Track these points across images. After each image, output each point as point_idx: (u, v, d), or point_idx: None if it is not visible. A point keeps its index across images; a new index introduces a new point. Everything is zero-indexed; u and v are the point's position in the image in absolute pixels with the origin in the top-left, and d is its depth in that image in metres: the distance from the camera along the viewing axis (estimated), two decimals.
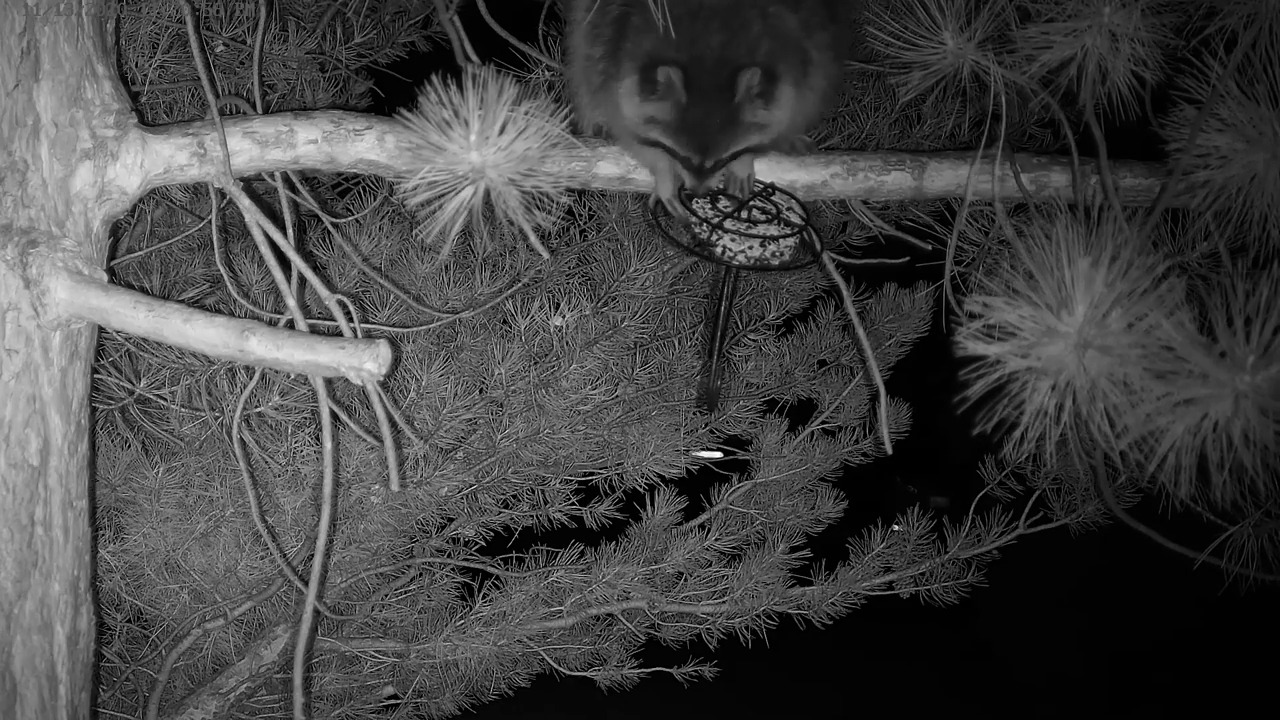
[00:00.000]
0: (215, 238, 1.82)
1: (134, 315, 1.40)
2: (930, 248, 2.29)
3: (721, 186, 1.83)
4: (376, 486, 2.66)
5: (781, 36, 1.68)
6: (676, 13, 1.62)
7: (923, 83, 1.56)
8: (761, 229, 1.80)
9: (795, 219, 1.83)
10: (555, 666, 3.09)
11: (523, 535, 3.16)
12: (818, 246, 1.89)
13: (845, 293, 1.93)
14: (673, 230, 1.92)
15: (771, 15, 1.68)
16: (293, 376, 2.35)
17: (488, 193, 1.18)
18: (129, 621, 2.71)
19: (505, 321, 2.77)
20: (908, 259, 2.42)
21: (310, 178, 2.26)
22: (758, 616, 3.09)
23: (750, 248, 1.79)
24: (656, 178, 1.82)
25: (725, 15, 1.65)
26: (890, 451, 2.14)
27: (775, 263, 1.81)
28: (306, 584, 1.42)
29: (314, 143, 1.59)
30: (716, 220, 1.79)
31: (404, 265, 2.60)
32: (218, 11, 2.27)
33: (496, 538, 3.17)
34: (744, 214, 1.82)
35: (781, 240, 1.80)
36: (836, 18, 1.80)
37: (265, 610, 2.69)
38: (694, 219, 1.81)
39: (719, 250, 1.80)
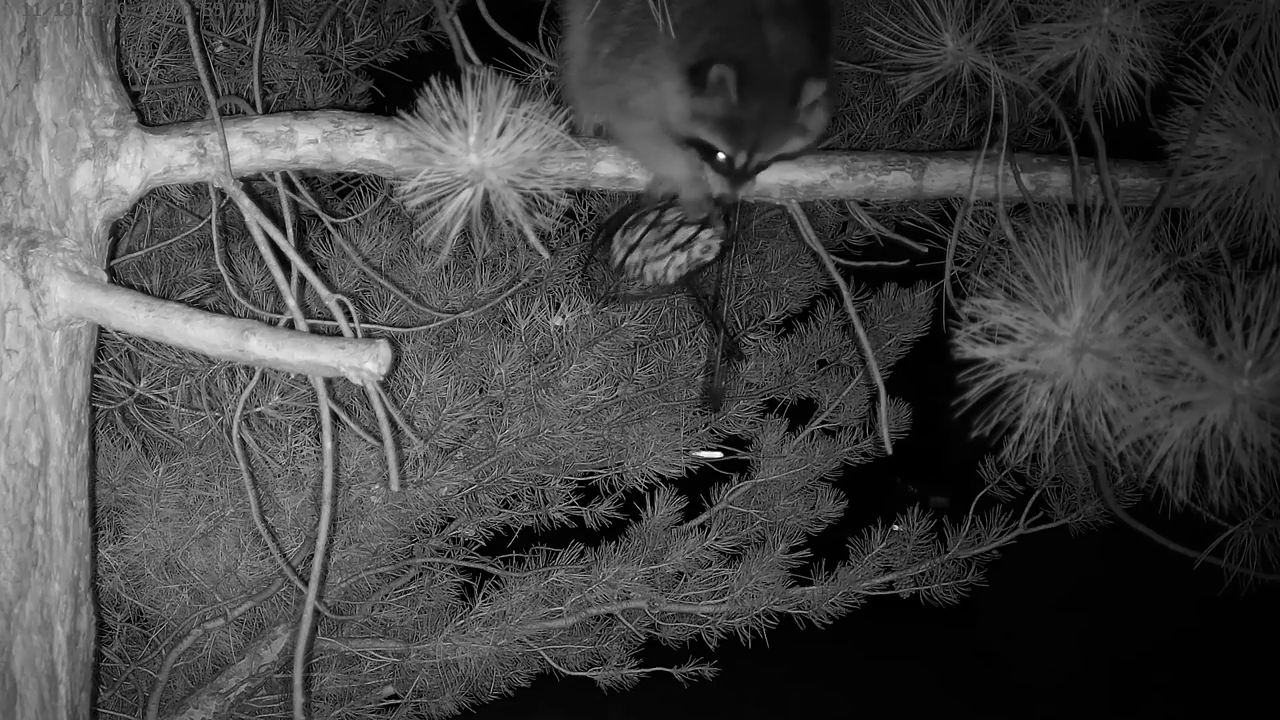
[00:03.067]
0: (215, 238, 1.82)
1: (134, 315, 1.40)
2: (926, 250, 2.29)
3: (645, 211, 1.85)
4: (376, 486, 2.66)
5: (824, 47, 1.70)
6: (734, 9, 1.62)
7: (923, 84, 1.56)
8: (679, 235, 1.81)
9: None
10: (555, 666, 3.09)
11: (523, 535, 3.16)
12: (732, 226, 1.89)
13: (845, 293, 1.93)
14: (604, 281, 1.93)
15: (814, 28, 1.69)
16: (293, 376, 2.35)
17: (487, 194, 1.18)
18: (129, 621, 2.71)
19: (505, 321, 2.77)
20: (908, 261, 2.42)
21: (310, 178, 2.26)
22: (758, 616, 3.09)
23: (674, 259, 1.80)
24: (681, 181, 1.79)
25: (780, 16, 1.64)
26: (890, 451, 2.14)
27: (710, 257, 1.82)
28: (306, 584, 1.42)
29: (314, 143, 1.59)
30: (629, 250, 1.81)
31: (404, 265, 2.61)
32: (218, 11, 2.27)
33: (496, 538, 3.17)
34: (655, 229, 1.82)
35: (698, 235, 1.80)
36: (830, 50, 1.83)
37: (265, 610, 2.69)
38: (617, 255, 1.83)
39: (650, 280, 1.81)
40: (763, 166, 1.71)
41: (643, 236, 1.80)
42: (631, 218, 1.84)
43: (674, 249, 1.79)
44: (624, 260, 1.82)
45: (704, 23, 1.64)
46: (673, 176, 1.78)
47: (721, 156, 1.67)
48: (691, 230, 1.80)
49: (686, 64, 1.64)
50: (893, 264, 2.46)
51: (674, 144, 1.71)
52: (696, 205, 1.80)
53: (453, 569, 3.03)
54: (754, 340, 3.14)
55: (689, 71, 1.63)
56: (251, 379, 1.98)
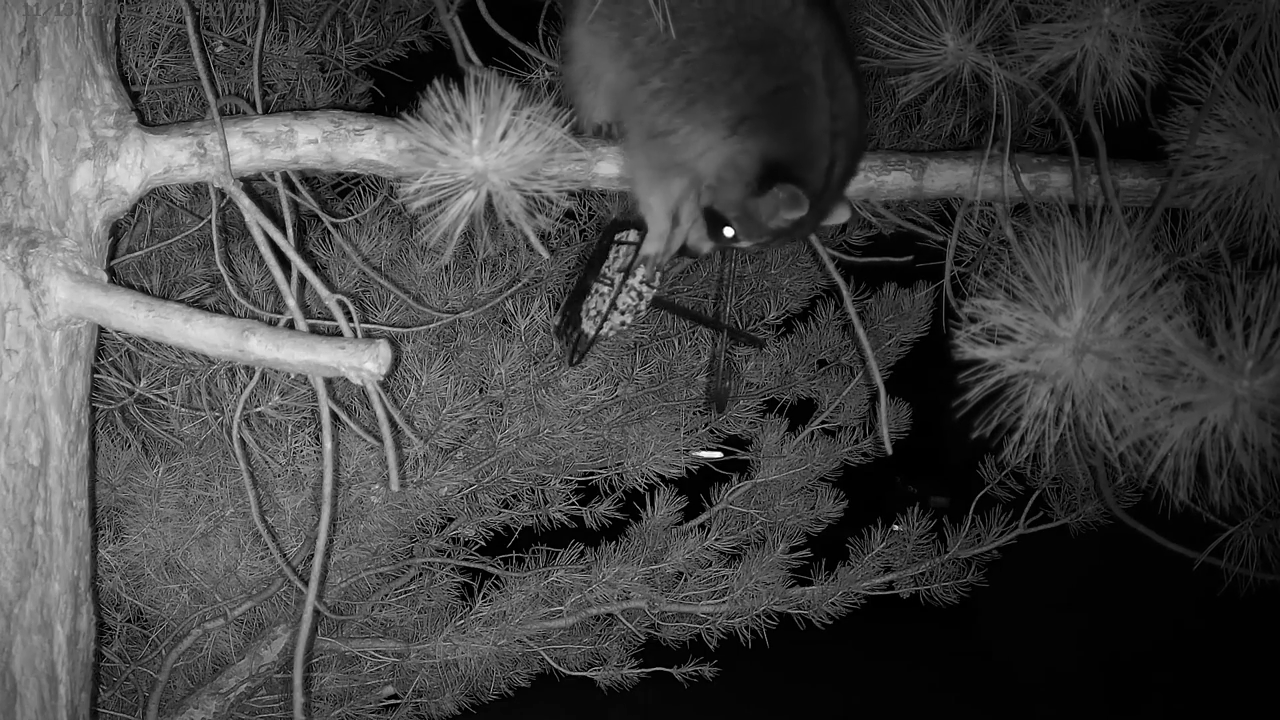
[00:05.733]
0: (215, 238, 1.82)
1: (134, 315, 1.40)
2: (940, 239, 2.29)
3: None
4: (376, 486, 2.66)
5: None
6: (815, 125, 1.59)
7: (923, 84, 1.56)
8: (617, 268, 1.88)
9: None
10: (555, 666, 3.09)
11: (523, 535, 3.16)
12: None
13: (845, 292, 1.93)
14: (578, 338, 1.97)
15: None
16: (293, 376, 2.35)
17: (490, 196, 1.18)
18: (129, 621, 2.71)
19: (505, 321, 2.77)
20: (911, 257, 2.41)
21: (310, 178, 2.26)
22: (758, 616, 3.09)
23: (637, 289, 1.87)
24: (654, 231, 1.81)
25: (848, 135, 1.63)
26: (890, 451, 2.14)
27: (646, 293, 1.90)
28: (306, 584, 1.42)
29: (314, 143, 1.59)
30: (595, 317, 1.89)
31: (404, 265, 2.61)
32: (218, 11, 2.27)
33: (496, 538, 3.17)
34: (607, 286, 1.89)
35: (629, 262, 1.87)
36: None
37: (265, 610, 2.69)
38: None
39: (639, 306, 1.87)
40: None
41: (596, 299, 1.87)
42: (591, 280, 1.91)
43: (620, 277, 1.85)
44: (595, 331, 1.88)
45: (788, 122, 1.60)
46: (654, 210, 1.79)
47: (728, 231, 1.69)
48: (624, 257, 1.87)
49: (760, 157, 1.61)
50: (895, 259, 2.46)
51: (680, 190, 1.72)
52: (659, 244, 1.85)
53: (453, 569, 3.03)
54: (758, 335, 3.14)
55: (760, 168, 1.60)
56: (251, 379, 1.98)
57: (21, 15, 1.43)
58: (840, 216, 1.67)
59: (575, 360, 1.99)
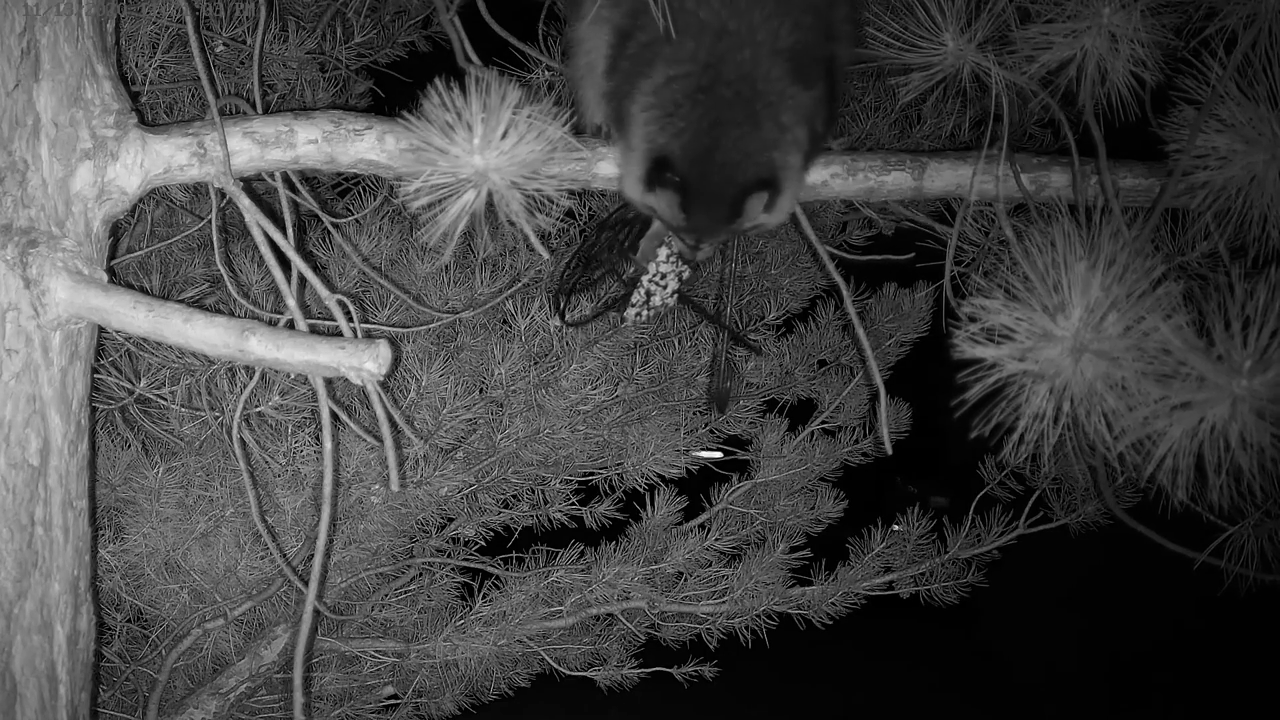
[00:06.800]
0: (215, 238, 1.82)
1: (134, 315, 1.40)
2: (940, 237, 2.29)
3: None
4: (376, 486, 2.66)
5: (794, 139, 1.63)
6: (699, 112, 1.57)
7: (923, 84, 1.56)
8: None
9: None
10: (555, 666, 3.09)
11: (523, 535, 3.16)
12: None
13: (845, 292, 1.93)
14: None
15: (788, 112, 1.61)
16: (293, 376, 2.35)
17: (490, 195, 1.18)
18: (129, 621, 2.70)
19: (505, 321, 2.77)
20: (912, 255, 2.42)
21: (310, 178, 2.26)
22: (758, 616, 3.09)
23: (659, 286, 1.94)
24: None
25: (744, 119, 1.59)
26: (890, 451, 2.14)
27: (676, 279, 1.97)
28: (306, 584, 1.42)
29: (314, 143, 1.59)
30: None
31: (404, 265, 2.61)
32: (218, 11, 2.27)
33: (496, 538, 3.17)
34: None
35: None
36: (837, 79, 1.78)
37: (265, 610, 2.69)
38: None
39: (657, 304, 1.94)
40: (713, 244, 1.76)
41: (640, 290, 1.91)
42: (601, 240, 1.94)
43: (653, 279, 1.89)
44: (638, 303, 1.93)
45: (676, 114, 1.59)
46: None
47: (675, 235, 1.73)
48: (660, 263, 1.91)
49: (646, 155, 1.61)
50: (897, 258, 2.46)
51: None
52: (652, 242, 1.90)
53: (453, 569, 3.03)
54: (754, 340, 3.14)
55: (646, 162, 1.61)
56: (251, 379, 1.98)
57: (21, 15, 1.43)
58: (757, 206, 1.62)
59: (562, 314, 2.03)
